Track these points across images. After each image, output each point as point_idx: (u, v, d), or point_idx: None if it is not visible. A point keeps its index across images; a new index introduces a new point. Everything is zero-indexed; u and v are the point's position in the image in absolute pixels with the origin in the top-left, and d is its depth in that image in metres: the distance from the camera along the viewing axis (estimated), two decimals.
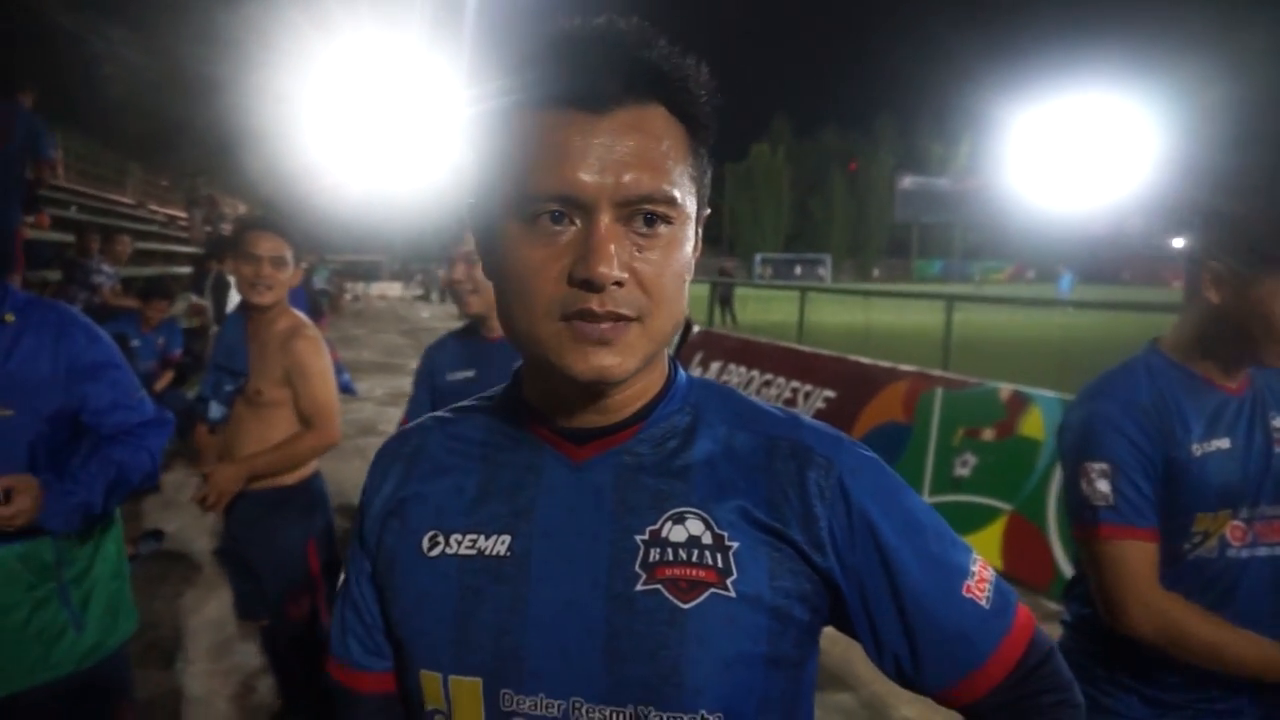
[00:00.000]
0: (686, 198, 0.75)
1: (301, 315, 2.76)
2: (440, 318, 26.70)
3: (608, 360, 0.73)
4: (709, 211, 0.84)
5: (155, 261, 14.27)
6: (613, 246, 0.70)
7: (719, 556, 0.77)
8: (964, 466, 5.51)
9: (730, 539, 0.78)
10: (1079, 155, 67.20)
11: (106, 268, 7.37)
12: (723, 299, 19.37)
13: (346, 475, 6.90)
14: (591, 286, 0.70)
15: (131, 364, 2.19)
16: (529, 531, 0.80)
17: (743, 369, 8.40)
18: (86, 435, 1.97)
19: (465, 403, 0.94)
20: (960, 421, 5.67)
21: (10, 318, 1.85)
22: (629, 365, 0.74)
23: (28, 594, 1.87)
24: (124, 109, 17.57)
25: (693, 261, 0.80)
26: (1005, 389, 5.46)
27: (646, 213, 0.72)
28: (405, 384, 12.09)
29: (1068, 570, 4.58)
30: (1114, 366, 1.66)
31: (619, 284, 0.71)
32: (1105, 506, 1.55)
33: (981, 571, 0.84)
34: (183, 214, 22.13)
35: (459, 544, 0.82)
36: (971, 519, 5.19)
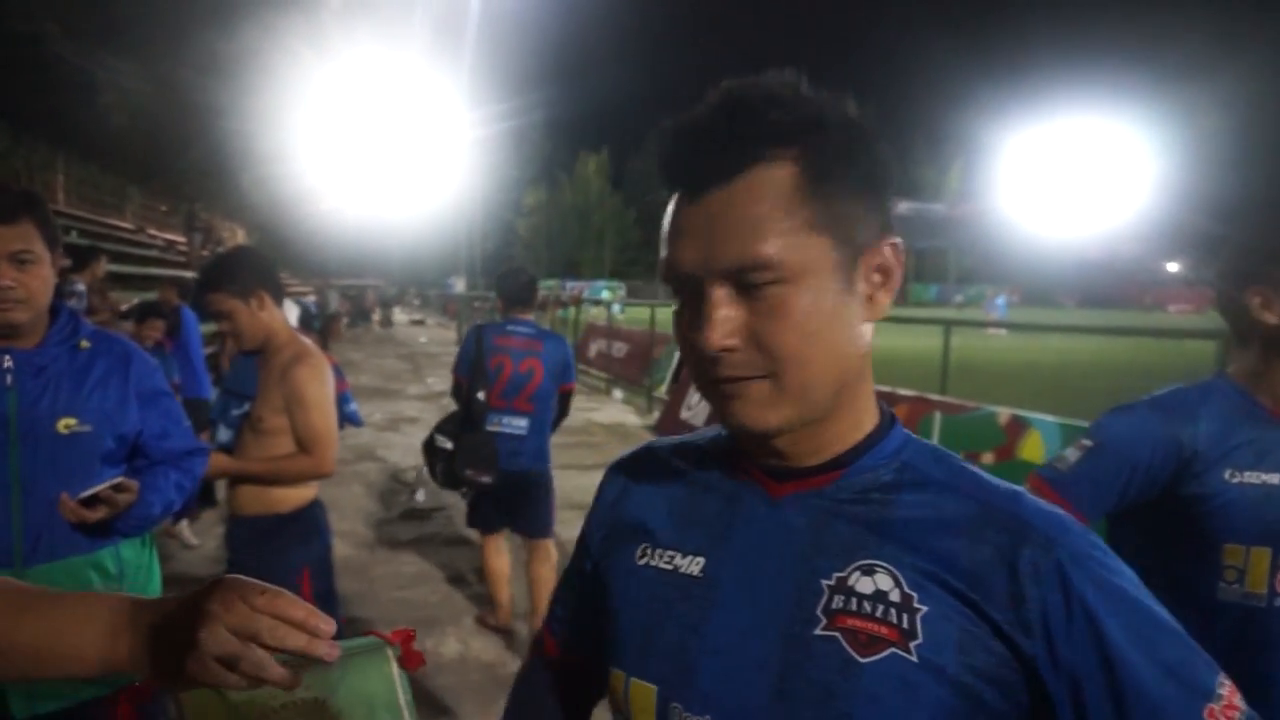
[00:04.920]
0: (798, 251, 0.73)
1: (309, 343, 2.76)
2: (439, 342, 26.70)
3: (751, 411, 0.77)
4: (892, 242, 0.79)
5: (155, 286, 14.26)
6: (721, 314, 0.74)
7: (904, 616, 0.73)
8: None
9: (919, 601, 0.74)
10: (1073, 180, 67.67)
11: (80, 285, 7.43)
12: None
13: (347, 500, 6.88)
14: (705, 355, 0.76)
15: None
16: (721, 558, 0.84)
17: None
18: (138, 457, 2.12)
19: (690, 435, 1.01)
20: (959, 446, 5.67)
21: (86, 344, 2.01)
22: (770, 419, 0.76)
23: None
24: (124, 135, 17.66)
25: (847, 307, 0.76)
26: (1004, 413, 5.47)
27: (750, 280, 0.73)
28: (404, 408, 12.07)
29: None
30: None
31: (730, 349, 0.75)
32: (1056, 468, 1.57)
33: (1231, 697, 0.70)
34: (181, 239, 22.16)
35: (659, 557, 0.88)
36: None
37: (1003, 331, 22.31)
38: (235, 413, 2.72)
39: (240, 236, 28.54)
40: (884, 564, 0.76)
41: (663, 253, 0.80)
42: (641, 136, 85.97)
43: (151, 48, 15.67)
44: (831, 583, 0.77)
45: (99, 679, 0.83)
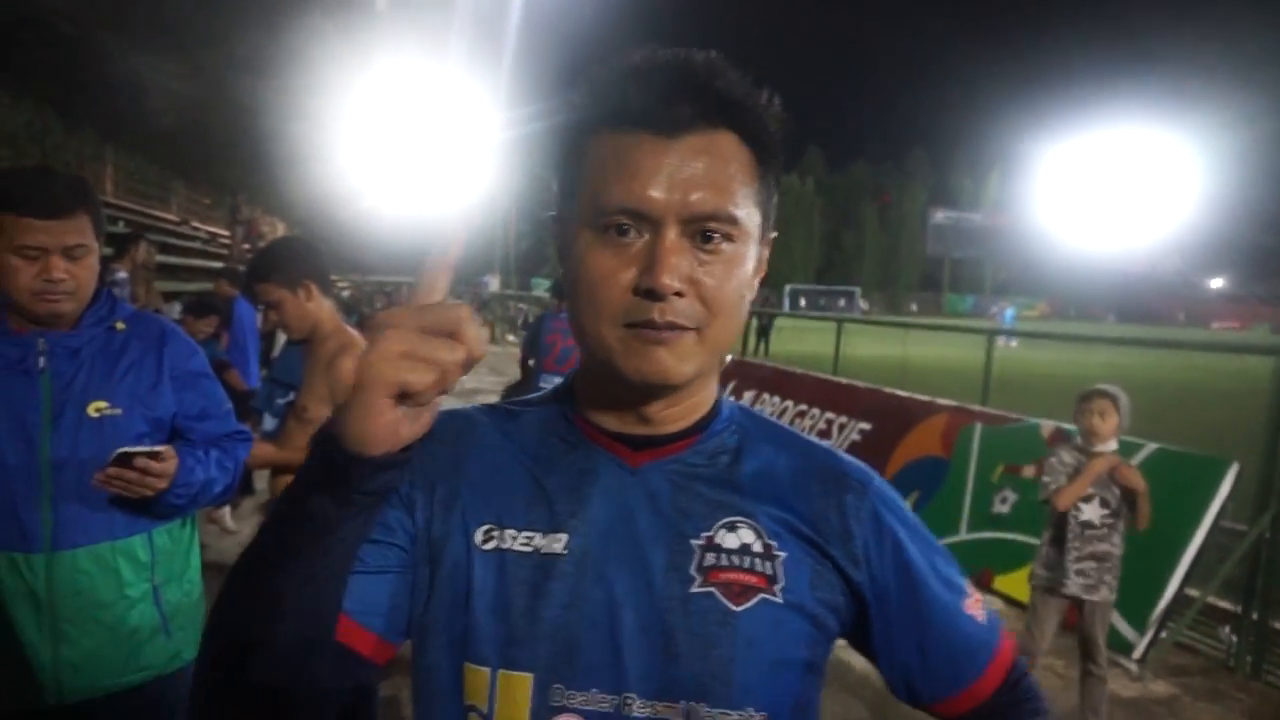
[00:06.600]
0: (750, 218, 0.80)
1: (355, 334, 2.77)
2: None
3: (668, 362, 0.78)
4: (775, 234, 0.90)
5: (198, 277, 14.53)
6: (674, 259, 0.76)
7: (769, 564, 0.83)
8: (1003, 503, 5.42)
9: (778, 549, 0.84)
10: (1114, 190, 66.59)
11: (121, 273, 7.42)
12: (763, 329, 19.91)
13: None
14: (653, 295, 0.75)
15: None
16: (586, 531, 0.83)
17: (776, 399, 8.36)
18: (176, 439, 2.05)
19: (511, 403, 0.95)
20: (1000, 457, 5.59)
21: (121, 325, 1.98)
22: (685, 370, 0.79)
23: (123, 592, 1.90)
24: (170, 131, 18.00)
25: (755, 280, 0.86)
26: (1047, 425, 5.38)
27: (709, 230, 0.77)
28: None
29: None
30: None
31: (679, 294, 0.76)
32: None
33: (974, 592, 0.94)
34: (224, 231, 22.51)
35: (514, 540, 0.83)
36: (1011, 556, 5.10)
37: (1014, 343, 22.91)
38: (280, 401, 2.73)
39: (281, 231, 28.93)
40: (745, 519, 0.85)
41: (607, 187, 0.77)
42: None
43: (198, 48, 15.97)
44: (701, 542, 0.83)
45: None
